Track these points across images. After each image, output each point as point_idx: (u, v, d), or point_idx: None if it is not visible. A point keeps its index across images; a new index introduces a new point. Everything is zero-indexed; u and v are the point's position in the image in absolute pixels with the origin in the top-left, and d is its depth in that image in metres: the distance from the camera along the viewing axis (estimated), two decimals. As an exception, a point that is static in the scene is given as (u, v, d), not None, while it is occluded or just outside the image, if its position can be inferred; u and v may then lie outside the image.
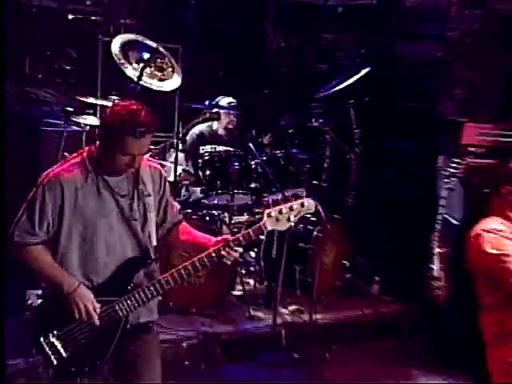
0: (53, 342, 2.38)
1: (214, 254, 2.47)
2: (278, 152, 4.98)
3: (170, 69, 4.86)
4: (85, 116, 4.62)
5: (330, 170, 5.25)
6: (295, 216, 2.47)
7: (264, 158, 4.88)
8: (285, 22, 6.02)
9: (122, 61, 4.68)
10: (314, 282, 4.84)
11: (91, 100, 4.75)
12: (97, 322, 2.35)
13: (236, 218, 4.95)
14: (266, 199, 4.92)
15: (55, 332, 2.38)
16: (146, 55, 4.68)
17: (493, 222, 2.90)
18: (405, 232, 5.15)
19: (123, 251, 2.49)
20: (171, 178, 4.67)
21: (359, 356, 4.70)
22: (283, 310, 4.86)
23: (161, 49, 4.75)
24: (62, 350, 2.39)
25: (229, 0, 5.77)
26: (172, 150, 4.94)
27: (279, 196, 4.65)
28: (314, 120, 5.16)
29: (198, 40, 5.54)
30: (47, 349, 2.38)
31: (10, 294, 3.99)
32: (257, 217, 4.99)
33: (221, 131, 4.97)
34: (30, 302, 4.29)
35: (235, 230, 4.78)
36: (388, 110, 5.67)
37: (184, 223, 2.81)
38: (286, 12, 6.05)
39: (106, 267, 2.45)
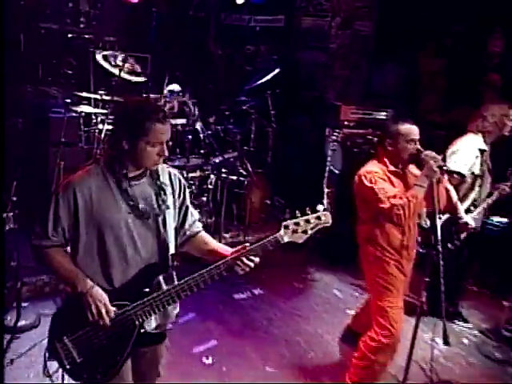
0: (67, 346, 1.94)
1: (231, 263, 1.98)
2: (219, 127, 5.17)
3: (137, 68, 5.00)
4: (81, 106, 4.68)
5: (255, 139, 5.45)
6: (312, 229, 2.02)
7: (209, 132, 5.03)
8: (221, 38, 6.13)
9: (106, 64, 4.87)
10: (246, 215, 5.07)
11: (85, 94, 4.84)
12: (107, 323, 1.91)
13: (190, 175, 4.80)
14: (211, 161, 4.94)
15: (69, 335, 1.94)
16: (120, 61, 4.79)
17: (372, 166, 2.82)
18: (299, 178, 5.39)
19: (141, 257, 2.00)
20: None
21: (276, 261, 4.51)
22: (225, 235, 4.99)
23: (128, 57, 4.85)
24: (75, 354, 1.94)
25: (182, 23, 5.88)
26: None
27: (220, 158, 4.89)
28: (243, 105, 5.32)
29: (160, 51, 5.63)
30: (61, 352, 1.95)
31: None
32: (206, 173, 4.89)
33: (174, 110, 4.95)
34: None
35: (191, 182, 4.73)
36: (292, 97, 5.90)
37: (203, 233, 2.24)
38: (222, 31, 6.17)
39: (123, 272, 1.98)
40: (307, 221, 2.02)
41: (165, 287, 2.03)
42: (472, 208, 3.69)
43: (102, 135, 4.49)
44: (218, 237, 4.70)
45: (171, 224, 2.09)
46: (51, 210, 1.93)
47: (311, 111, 5.74)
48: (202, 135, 5.03)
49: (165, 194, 2.06)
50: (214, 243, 2.23)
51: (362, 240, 2.92)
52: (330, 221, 2.05)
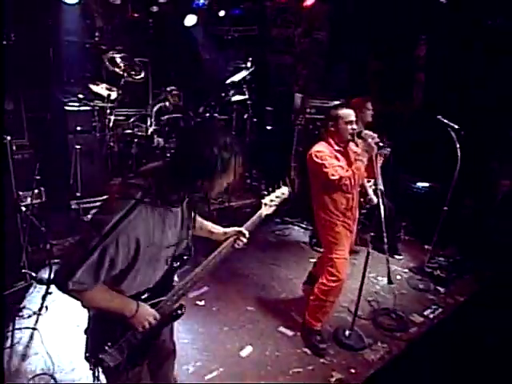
0: (110, 352, 1.53)
1: (231, 244, 1.77)
2: (207, 115, 4.87)
3: (138, 69, 4.77)
4: (95, 101, 4.43)
5: (236, 124, 5.24)
6: (279, 202, 1.91)
7: (199, 119, 4.76)
8: (208, 45, 5.84)
9: (112, 67, 4.61)
10: (230, 185, 5.05)
11: (96, 88, 4.52)
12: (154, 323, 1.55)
13: None
14: None
15: (110, 344, 1.52)
16: (123, 64, 4.56)
17: (319, 146, 2.63)
18: (271, 155, 5.25)
19: (173, 256, 1.60)
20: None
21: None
22: (214, 201, 4.57)
23: (130, 60, 4.66)
24: (118, 356, 1.54)
25: (174, 34, 5.60)
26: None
27: None
28: (226, 97, 5.06)
29: (159, 55, 5.40)
30: (107, 360, 1.53)
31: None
32: None
33: (170, 106, 4.72)
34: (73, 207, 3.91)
35: None
36: (265, 90, 5.67)
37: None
38: (209, 39, 5.87)
39: (158, 275, 1.58)
40: (277, 196, 1.92)
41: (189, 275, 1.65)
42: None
43: (111, 124, 4.27)
44: (208, 203, 4.44)
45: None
46: (107, 259, 1.34)
47: (280, 101, 5.51)
48: (192, 122, 4.70)
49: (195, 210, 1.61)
50: (204, 222, 1.88)
51: (315, 207, 2.77)
52: (287, 194, 1.95)
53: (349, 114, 2.59)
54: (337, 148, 2.65)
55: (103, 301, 1.46)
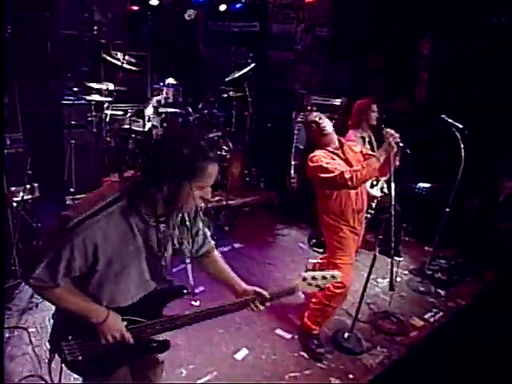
0: (72, 346, 1.44)
1: (245, 304, 1.58)
2: (205, 112, 4.82)
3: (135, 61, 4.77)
4: (92, 95, 4.34)
5: (235, 121, 5.15)
6: (324, 284, 1.66)
7: (197, 115, 4.71)
8: (209, 40, 5.78)
9: (113, 60, 4.63)
10: (228, 183, 4.70)
11: (95, 85, 4.50)
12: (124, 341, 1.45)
13: None
14: None
15: (75, 337, 1.44)
16: (121, 56, 4.57)
17: (314, 152, 2.52)
18: (277, 153, 5.14)
19: (153, 286, 1.52)
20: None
21: (252, 221, 4.66)
22: (211, 199, 4.51)
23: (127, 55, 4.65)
24: (78, 354, 1.45)
25: (174, 29, 5.54)
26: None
27: (206, 137, 4.85)
28: (225, 93, 5.01)
29: (158, 50, 5.33)
30: (65, 349, 1.44)
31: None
32: None
33: (169, 99, 4.66)
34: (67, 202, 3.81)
35: None
36: (265, 87, 5.59)
37: (215, 253, 1.70)
38: (209, 35, 5.82)
39: (136, 295, 1.48)
40: (324, 277, 1.66)
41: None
42: (374, 183, 3.52)
43: (108, 119, 4.15)
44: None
45: (186, 250, 1.57)
46: (63, 261, 1.27)
47: (281, 98, 5.44)
48: (191, 118, 4.69)
49: (186, 230, 1.51)
50: (225, 270, 1.68)
51: (319, 211, 2.68)
52: (340, 279, 1.71)
53: (316, 116, 2.55)
54: (330, 149, 2.55)
55: (67, 303, 1.38)
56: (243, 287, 1.61)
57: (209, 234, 1.68)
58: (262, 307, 1.60)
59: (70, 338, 1.45)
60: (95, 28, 5.16)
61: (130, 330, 1.47)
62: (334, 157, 2.54)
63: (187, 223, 1.51)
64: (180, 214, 1.48)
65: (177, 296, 1.56)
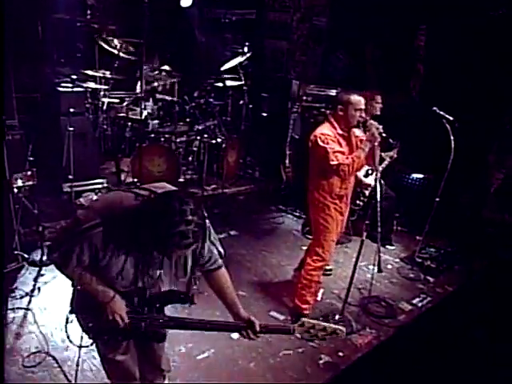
0: (84, 318, 1.69)
1: (236, 328, 1.74)
2: (202, 100, 4.94)
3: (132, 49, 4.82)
4: (87, 82, 4.45)
5: (231, 110, 5.29)
6: (323, 336, 1.66)
7: (193, 104, 4.84)
8: (205, 28, 5.85)
9: (108, 47, 4.69)
10: (224, 172, 4.93)
11: (91, 72, 4.62)
12: (122, 325, 1.62)
13: (178, 139, 4.57)
14: (195, 128, 4.75)
15: (86, 312, 1.68)
16: (118, 44, 4.66)
17: (324, 129, 2.71)
18: (273, 142, 5.28)
19: (159, 283, 1.68)
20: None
21: (247, 209, 4.78)
22: (207, 187, 4.77)
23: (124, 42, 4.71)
24: (89, 321, 1.69)
25: (172, 17, 5.62)
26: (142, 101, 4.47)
27: (202, 125, 4.74)
28: (221, 81, 5.11)
29: (153, 38, 5.22)
30: (81, 317, 1.69)
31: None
32: (191, 137, 4.68)
33: (166, 86, 4.80)
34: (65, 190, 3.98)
35: (179, 145, 4.56)
36: (261, 76, 5.71)
37: (222, 270, 1.77)
38: (205, 23, 5.91)
39: (140, 290, 1.64)
40: (324, 328, 1.66)
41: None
42: (370, 172, 3.77)
43: (105, 107, 4.28)
44: (201, 189, 4.57)
45: (189, 261, 1.64)
46: (74, 254, 1.50)
47: (276, 88, 5.56)
48: (187, 107, 4.83)
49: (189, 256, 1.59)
50: (226, 290, 1.79)
51: (311, 187, 2.87)
52: (344, 336, 1.69)
53: (359, 100, 2.68)
54: (340, 132, 2.74)
55: (80, 280, 1.60)
56: (240, 312, 1.74)
57: (216, 252, 1.73)
58: (253, 337, 1.69)
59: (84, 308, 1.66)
60: (88, 12, 5.28)
61: (130, 317, 1.66)
62: (341, 140, 2.74)
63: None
64: None
65: (179, 302, 1.74)
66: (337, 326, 1.68)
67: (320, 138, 2.65)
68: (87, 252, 1.50)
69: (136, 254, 1.54)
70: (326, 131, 2.69)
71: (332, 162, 2.59)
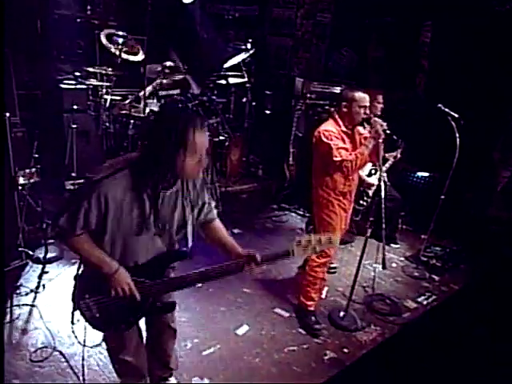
0: (88, 304, 1.75)
1: (242, 264, 1.75)
2: (205, 98, 4.87)
3: (136, 49, 4.80)
4: (89, 79, 4.49)
5: (234, 108, 5.36)
6: (320, 248, 1.77)
7: (197, 102, 4.75)
8: (206, 25, 5.89)
9: (109, 45, 4.65)
10: (227, 170, 5.04)
11: (92, 69, 4.61)
12: (128, 299, 1.71)
13: None
14: None
15: (91, 295, 1.74)
16: (121, 40, 4.60)
17: (328, 125, 2.79)
18: (276, 140, 5.37)
19: (162, 245, 1.77)
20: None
21: (251, 207, 4.88)
22: (210, 186, 4.59)
23: (129, 37, 4.66)
24: (95, 311, 1.75)
25: (174, 13, 5.66)
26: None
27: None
28: (224, 79, 5.13)
29: (155, 34, 5.27)
30: (83, 307, 1.76)
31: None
32: None
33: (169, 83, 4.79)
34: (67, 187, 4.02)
35: None
36: (264, 73, 5.74)
37: (217, 221, 1.92)
38: (207, 19, 5.94)
39: (143, 258, 1.74)
40: (319, 240, 1.76)
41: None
42: (373, 171, 3.84)
43: (107, 104, 4.34)
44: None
45: (190, 221, 1.76)
46: (82, 212, 1.57)
47: (280, 85, 5.65)
48: (190, 104, 4.72)
49: (189, 202, 1.72)
50: (224, 236, 1.89)
51: (315, 183, 2.94)
52: (338, 244, 1.84)
53: (364, 97, 2.74)
54: (344, 129, 2.81)
55: (85, 251, 1.67)
56: (240, 251, 1.80)
57: (213, 204, 1.92)
58: (256, 269, 1.76)
59: (86, 296, 1.74)
60: (88, 8, 5.26)
61: (137, 287, 1.72)
62: (345, 137, 2.81)
63: (191, 194, 1.73)
64: (186, 185, 1.71)
65: (177, 259, 1.83)
66: (330, 235, 1.78)
67: (324, 134, 2.73)
68: (96, 205, 1.56)
69: (142, 200, 1.62)
70: (329, 128, 2.77)
71: (335, 158, 2.67)
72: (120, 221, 1.62)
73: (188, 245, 1.77)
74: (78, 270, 1.81)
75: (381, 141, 2.69)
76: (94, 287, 1.74)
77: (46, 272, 3.25)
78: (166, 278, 1.80)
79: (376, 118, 2.74)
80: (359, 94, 2.75)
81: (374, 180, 3.81)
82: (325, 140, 2.71)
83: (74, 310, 1.80)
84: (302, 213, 4.83)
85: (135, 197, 1.61)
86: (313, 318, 2.98)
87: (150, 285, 1.76)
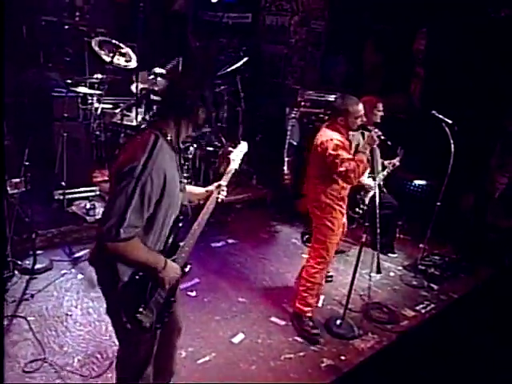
0: (145, 314, 1.77)
1: (215, 199, 2.07)
2: None
3: (129, 56, 4.82)
4: (79, 87, 4.48)
5: (227, 116, 5.39)
6: (242, 156, 2.31)
7: None
8: (199, 31, 6.08)
9: (100, 51, 4.69)
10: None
11: (82, 78, 4.74)
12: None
13: None
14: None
15: (143, 306, 1.76)
16: (112, 48, 4.67)
17: (334, 134, 2.88)
18: (270, 149, 5.52)
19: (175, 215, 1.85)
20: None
21: (245, 217, 4.98)
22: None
23: (121, 45, 4.74)
24: (151, 315, 1.79)
25: (165, 20, 5.84)
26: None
27: (198, 132, 5.00)
28: (217, 88, 5.20)
29: (146, 41, 5.52)
30: (143, 319, 1.76)
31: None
32: (187, 144, 4.60)
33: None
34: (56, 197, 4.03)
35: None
36: (258, 81, 5.93)
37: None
38: (199, 25, 6.15)
39: (166, 232, 1.82)
40: (240, 151, 2.35)
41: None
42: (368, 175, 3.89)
43: (98, 112, 4.44)
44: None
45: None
46: (146, 198, 1.60)
47: (274, 94, 5.79)
48: None
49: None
50: (193, 189, 2.21)
51: (319, 191, 3.02)
52: (246, 148, 2.39)
53: (358, 108, 2.87)
54: (346, 137, 2.98)
55: (142, 250, 1.68)
56: (204, 189, 2.17)
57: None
58: (225, 193, 2.14)
59: (141, 309, 1.74)
60: (77, 14, 5.43)
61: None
62: (346, 145, 2.94)
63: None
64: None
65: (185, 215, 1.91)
66: (242, 144, 2.42)
67: (330, 144, 2.83)
68: (158, 183, 1.62)
69: (174, 160, 1.77)
70: (336, 137, 2.87)
71: (340, 169, 2.79)
72: (171, 188, 1.71)
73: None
74: (113, 286, 1.76)
75: (375, 146, 2.84)
76: (142, 296, 1.77)
77: (35, 278, 3.32)
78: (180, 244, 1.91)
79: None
80: (353, 107, 2.86)
81: (369, 181, 3.86)
82: (331, 151, 2.82)
83: (133, 324, 1.77)
84: (297, 223, 4.91)
85: (172, 161, 1.76)
86: (310, 322, 3.07)
87: (176, 258, 1.86)
